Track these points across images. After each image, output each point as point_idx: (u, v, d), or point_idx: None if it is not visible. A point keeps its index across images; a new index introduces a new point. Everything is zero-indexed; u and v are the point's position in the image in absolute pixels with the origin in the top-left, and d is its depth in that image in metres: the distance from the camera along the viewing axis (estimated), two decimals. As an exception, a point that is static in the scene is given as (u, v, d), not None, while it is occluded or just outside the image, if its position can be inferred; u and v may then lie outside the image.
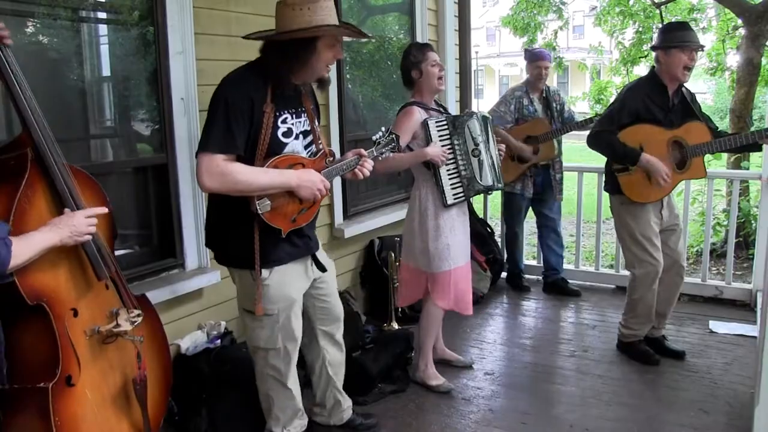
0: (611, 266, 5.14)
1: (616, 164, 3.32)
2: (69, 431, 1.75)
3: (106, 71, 2.88)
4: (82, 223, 1.75)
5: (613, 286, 4.65)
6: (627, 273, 4.48)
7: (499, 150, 3.18)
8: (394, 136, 2.58)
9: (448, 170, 3.03)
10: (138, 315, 2.01)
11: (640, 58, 10.67)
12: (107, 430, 1.92)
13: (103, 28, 2.85)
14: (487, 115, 3.19)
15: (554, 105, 4.41)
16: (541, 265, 4.82)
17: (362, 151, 2.44)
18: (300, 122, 2.30)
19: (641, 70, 10.63)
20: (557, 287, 4.65)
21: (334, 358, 2.66)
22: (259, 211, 2.16)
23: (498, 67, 35.41)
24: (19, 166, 1.72)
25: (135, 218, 2.92)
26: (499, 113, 4.36)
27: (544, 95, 4.42)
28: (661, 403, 3.03)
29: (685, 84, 3.28)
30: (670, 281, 3.43)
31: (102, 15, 2.86)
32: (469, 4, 5.22)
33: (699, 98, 3.49)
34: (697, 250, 6.15)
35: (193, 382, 2.71)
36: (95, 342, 1.89)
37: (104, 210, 1.86)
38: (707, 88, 17.71)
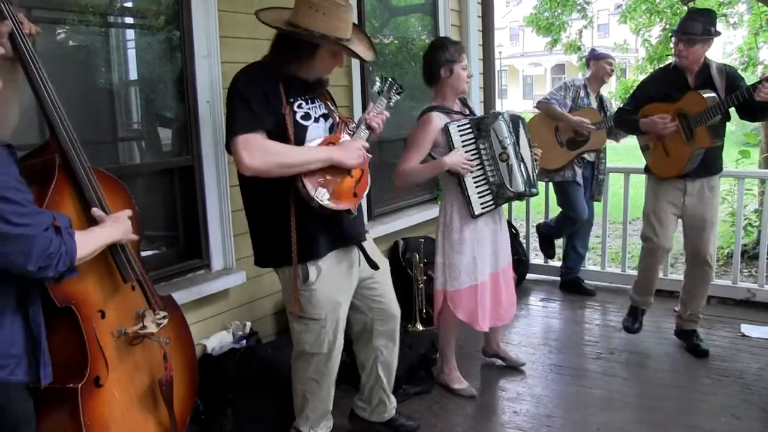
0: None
1: (641, 143, 3.57)
2: (98, 431, 1.77)
3: (133, 75, 2.93)
4: (128, 222, 1.82)
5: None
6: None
7: (535, 154, 3.02)
8: (391, 79, 2.47)
9: (474, 178, 2.86)
10: (164, 317, 2.02)
11: (667, 55, 10.49)
12: (134, 429, 1.94)
13: (130, 33, 2.89)
14: (519, 115, 3.02)
15: (606, 106, 4.50)
16: (558, 264, 4.82)
17: (372, 104, 2.44)
18: (315, 107, 2.28)
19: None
20: (573, 286, 4.65)
21: (387, 359, 2.61)
22: (322, 203, 2.12)
23: (522, 67, 35.18)
24: (47, 171, 1.75)
25: (162, 220, 2.96)
26: (558, 97, 4.39)
27: (599, 95, 4.49)
28: (691, 408, 2.98)
29: (725, 64, 3.38)
30: (693, 273, 3.50)
31: (129, 20, 2.91)
32: (492, 5, 5.19)
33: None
34: (727, 252, 6.02)
35: (219, 381, 2.74)
36: (122, 343, 1.91)
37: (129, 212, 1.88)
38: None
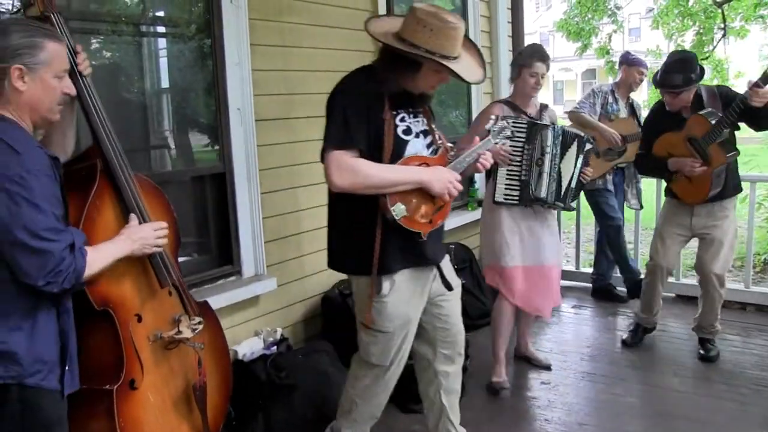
0: (671, 274, 4.96)
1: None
2: (132, 433, 1.80)
3: (165, 83, 2.98)
4: (151, 235, 1.82)
5: (673, 295, 4.47)
6: (686, 281, 4.37)
7: (583, 174, 3.10)
8: (504, 122, 2.48)
9: (509, 170, 3.06)
10: (199, 322, 2.04)
11: (701, 60, 10.28)
12: (168, 433, 1.96)
13: (162, 42, 2.94)
14: (580, 135, 3.08)
15: (638, 113, 4.41)
16: (590, 271, 4.77)
17: (477, 138, 2.37)
18: (417, 122, 2.26)
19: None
20: (604, 293, 4.57)
21: (450, 385, 2.48)
22: (396, 218, 2.12)
23: (552, 72, 34.82)
24: (89, 176, 1.80)
25: (193, 226, 3.00)
26: (587, 104, 4.33)
27: (629, 101, 4.40)
28: (727, 418, 2.90)
29: (716, 85, 3.48)
30: (701, 288, 3.50)
31: (161, 29, 2.96)
32: (522, 10, 5.17)
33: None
34: (764, 258, 5.87)
35: (250, 387, 2.75)
36: (158, 347, 1.93)
37: (164, 225, 1.90)
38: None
